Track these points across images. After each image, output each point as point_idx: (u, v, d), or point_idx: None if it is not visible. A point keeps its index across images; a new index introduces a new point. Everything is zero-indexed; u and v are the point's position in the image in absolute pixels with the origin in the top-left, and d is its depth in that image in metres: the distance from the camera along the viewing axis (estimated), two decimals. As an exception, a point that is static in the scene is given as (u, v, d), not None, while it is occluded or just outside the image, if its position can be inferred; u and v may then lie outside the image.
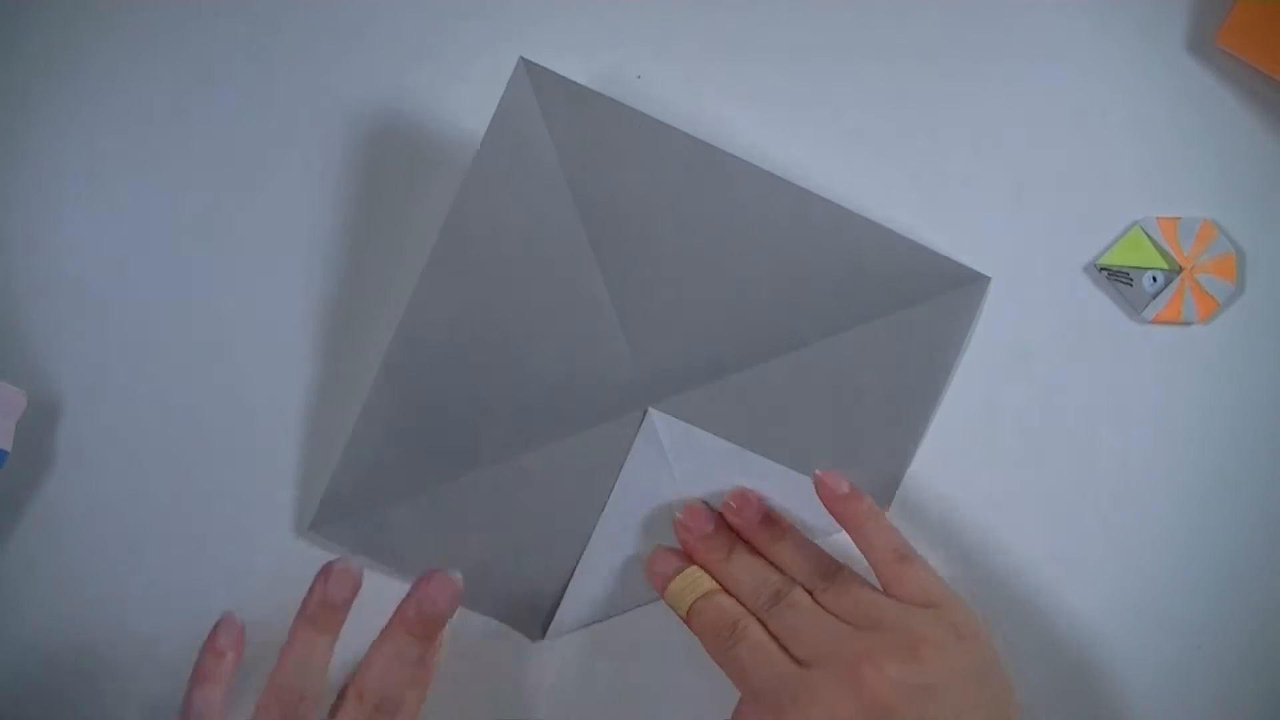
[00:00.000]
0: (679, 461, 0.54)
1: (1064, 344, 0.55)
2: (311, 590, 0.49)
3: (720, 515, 0.53)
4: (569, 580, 0.54)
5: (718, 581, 0.52)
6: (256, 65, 0.56)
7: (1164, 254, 0.55)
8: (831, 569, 0.51)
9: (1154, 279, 0.55)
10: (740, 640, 0.49)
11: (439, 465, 0.54)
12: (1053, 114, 0.55)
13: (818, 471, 0.52)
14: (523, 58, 0.51)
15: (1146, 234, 0.55)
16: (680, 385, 0.54)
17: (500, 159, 0.51)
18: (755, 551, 0.53)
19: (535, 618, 0.54)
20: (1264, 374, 0.55)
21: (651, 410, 0.54)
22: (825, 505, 0.52)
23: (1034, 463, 0.54)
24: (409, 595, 0.49)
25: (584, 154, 0.52)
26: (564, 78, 0.51)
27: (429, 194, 0.55)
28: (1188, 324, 0.55)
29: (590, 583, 0.54)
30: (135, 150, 0.56)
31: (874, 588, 0.50)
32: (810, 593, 0.50)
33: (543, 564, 0.54)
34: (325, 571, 0.49)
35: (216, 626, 0.50)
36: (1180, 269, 0.55)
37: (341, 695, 0.48)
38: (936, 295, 0.54)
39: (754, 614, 0.50)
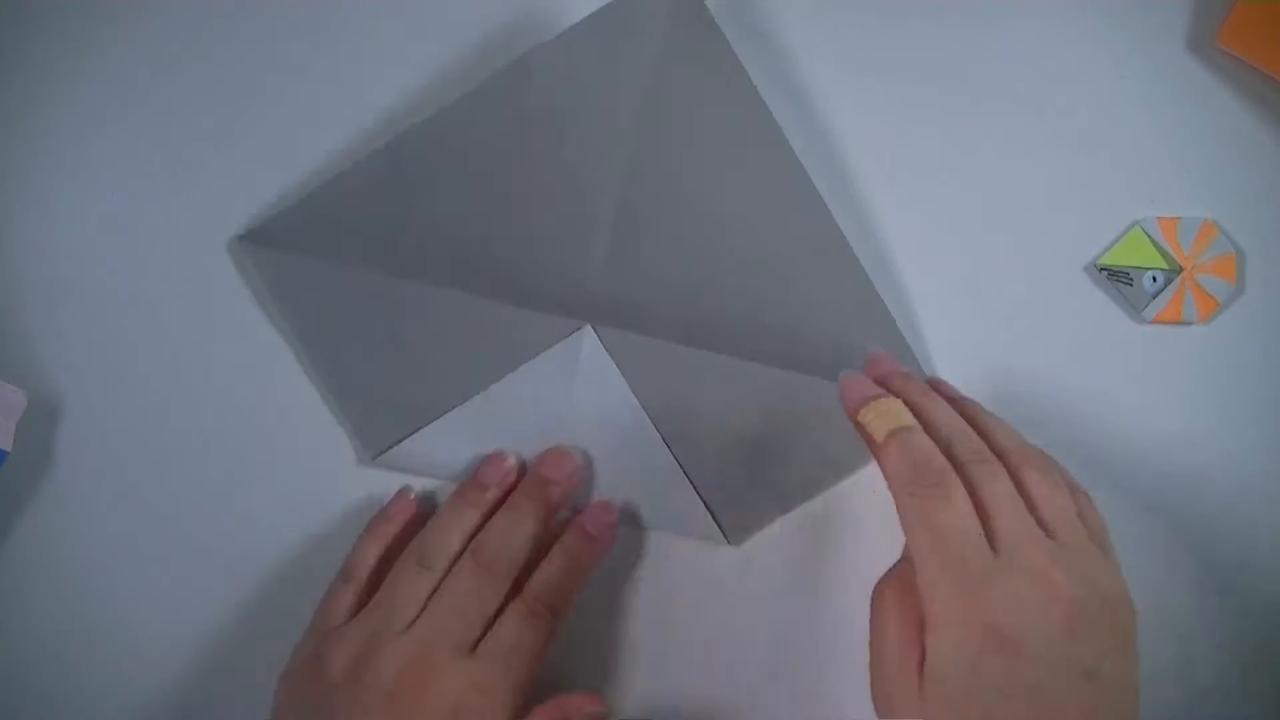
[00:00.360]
0: (589, 385, 0.53)
1: (1064, 344, 0.55)
2: (471, 479, 0.53)
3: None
4: (431, 420, 0.54)
5: (892, 456, 0.45)
6: (259, 66, 0.56)
7: (1164, 254, 0.55)
8: (1015, 446, 0.46)
9: (1154, 279, 0.55)
10: (946, 496, 0.43)
11: (389, 256, 0.53)
12: (1052, 114, 0.55)
13: (867, 349, 0.50)
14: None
15: (1146, 234, 0.55)
16: (630, 323, 0.53)
17: (603, 30, 0.53)
18: None
19: (375, 434, 0.54)
20: (1264, 374, 0.54)
21: (587, 329, 0.53)
22: (896, 392, 0.47)
23: (1034, 463, 0.54)
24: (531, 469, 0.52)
25: (678, 72, 0.53)
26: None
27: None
28: (1188, 324, 0.55)
29: (444, 436, 0.54)
30: (135, 150, 0.56)
31: (1066, 492, 0.45)
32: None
33: (425, 394, 0.54)
34: (486, 463, 0.53)
35: (394, 497, 0.54)
36: (1180, 269, 0.55)
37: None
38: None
39: (954, 463, 0.45)
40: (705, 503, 0.53)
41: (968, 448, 0.45)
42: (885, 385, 0.48)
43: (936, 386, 0.49)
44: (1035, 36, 0.55)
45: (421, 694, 0.47)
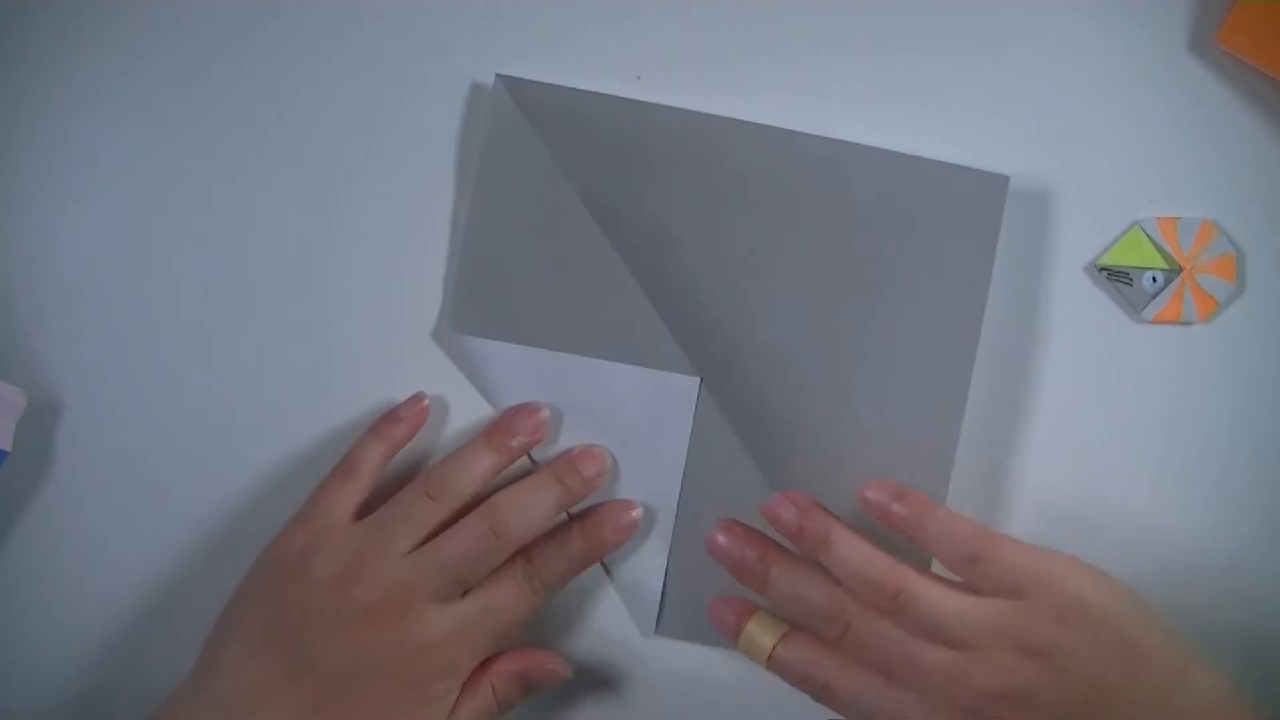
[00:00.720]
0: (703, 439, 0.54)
1: (1064, 344, 0.55)
2: (501, 424, 0.52)
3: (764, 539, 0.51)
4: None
5: (773, 606, 0.50)
6: (258, 67, 0.56)
7: (1164, 254, 0.55)
8: (890, 582, 0.47)
9: (1154, 279, 0.55)
10: (832, 697, 0.48)
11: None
12: (1052, 114, 0.55)
13: (864, 486, 0.50)
14: (499, 75, 0.52)
15: (1146, 234, 0.55)
16: (723, 360, 0.53)
17: (501, 175, 0.53)
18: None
19: (473, 317, 0.54)
20: (1264, 374, 0.54)
21: (700, 383, 0.54)
22: (880, 521, 0.49)
23: (1033, 463, 0.54)
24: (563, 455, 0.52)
25: (580, 152, 0.53)
26: (543, 84, 0.53)
27: (438, 187, 0.55)
28: (1188, 324, 0.55)
29: (536, 365, 0.54)
30: (136, 150, 0.56)
31: (947, 583, 0.48)
32: (880, 612, 0.48)
33: (543, 323, 0.54)
34: (526, 409, 0.52)
35: (406, 400, 0.53)
36: (1180, 269, 0.54)
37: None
38: (954, 209, 0.53)
39: (827, 641, 0.48)
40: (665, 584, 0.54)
41: (828, 615, 0.48)
42: (739, 576, 0.50)
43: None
44: (1035, 36, 0.55)
45: (396, 626, 0.48)
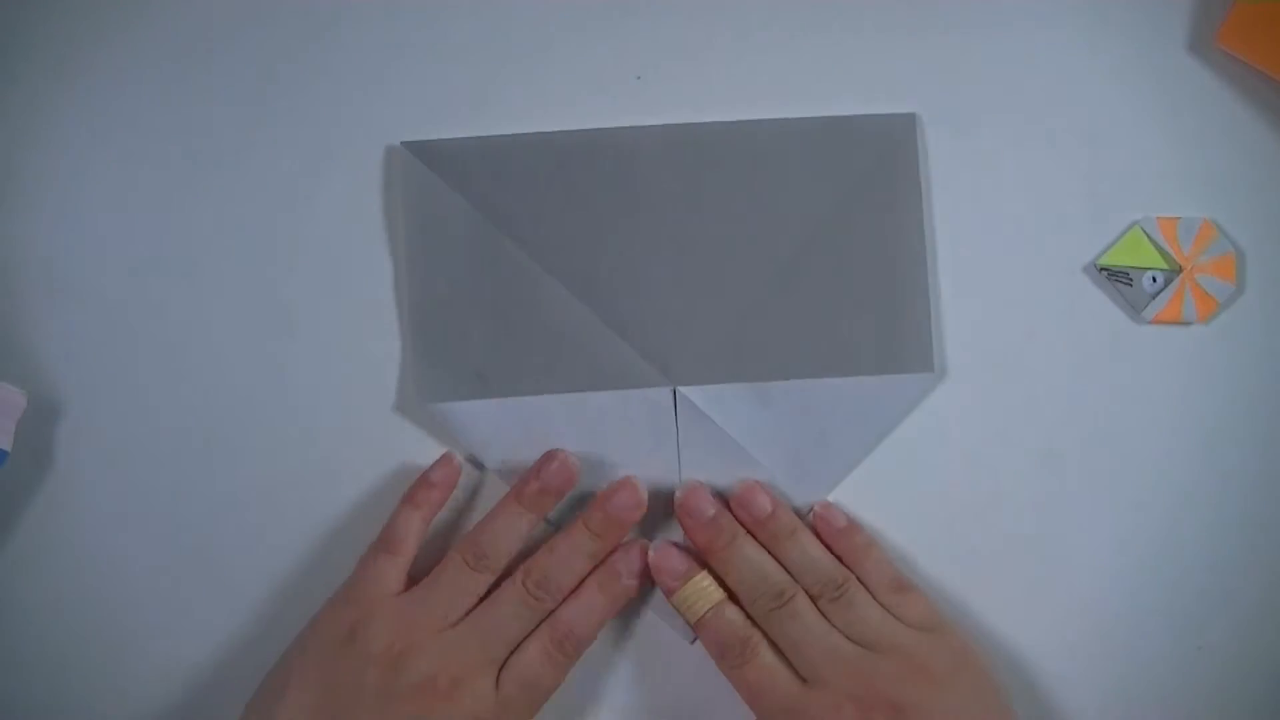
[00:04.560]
0: (690, 446, 0.54)
1: (1064, 344, 0.55)
2: (530, 474, 0.52)
3: (721, 510, 0.53)
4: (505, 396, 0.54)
5: (719, 570, 0.52)
6: (261, 70, 0.56)
7: (1164, 254, 0.55)
8: (839, 578, 0.51)
9: (1154, 279, 0.55)
10: (749, 660, 0.50)
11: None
12: (1052, 114, 0.55)
13: (815, 506, 0.53)
14: (402, 143, 0.55)
15: (1146, 234, 0.55)
16: (695, 360, 0.54)
17: (429, 238, 0.54)
18: (761, 544, 0.52)
19: (439, 384, 0.54)
20: (1264, 374, 0.55)
21: (679, 389, 0.54)
22: (824, 539, 0.53)
23: (1033, 463, 0.54)
24: (595, 501, 0.52)
25: (499, 196, 0.54)
26: (444, 140, 0.54)
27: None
28: (1188, 324, 0.55)
29: (512, 416, 0.54)
30: (136, 150, 0.56)
31: (879, 604, 0.51)
32: (815, 599, 0.51)
33: (508, 373, 0.54)
34: (546, 459, 0.52)
35: (435, 462, 0.53)
36: (1180, 269, 0.55)
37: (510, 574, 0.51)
38: (870, 155, 0.54)
39: (754, 617, 0.51)
40: None
41: (765, 595, 0.51)
42: (701, 535, 0.52)
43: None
44: (1035, 37, 0.55)
45: (447, 700, 0.48)
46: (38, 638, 0.54)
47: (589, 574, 0.52)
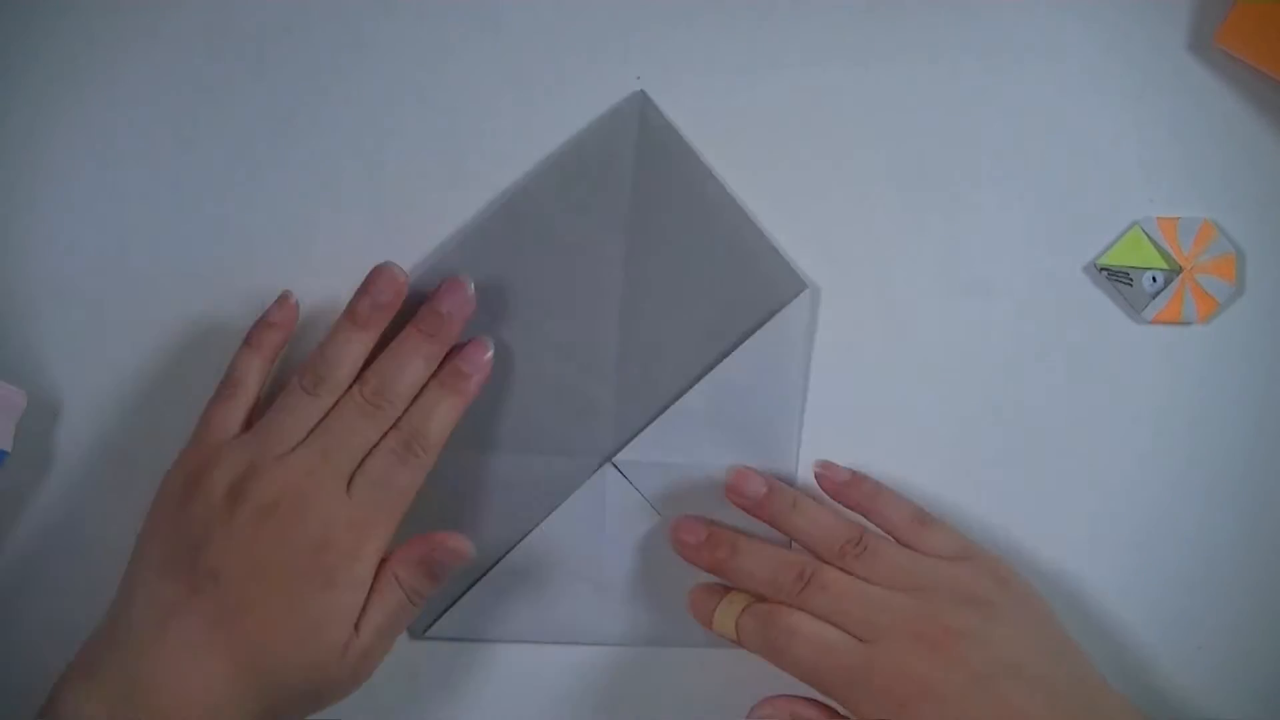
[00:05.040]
0: (618, 517, 0.54)
1: (1064, 344, 0.55)
2: (360, 291, 0.51)
3: (711, 523, 0.53)
4: (469, 587, 0.54)
5: (732, 580, 0.51)
6: (260, 67, 0.56)
7: (1164, 254, 0.55)
8: (853, 534, 0.50)
9: (1154, 279, 0.55)
10: (793, 637, 0.48)
11: None
12: (1052, 114, 0.55)
13: (815, 467, 0.53)
14: (642, 91, 0.54)
15: (1146, 234, 0.55)
16: (646, 449, 0.54)
17: (580, 167, 0.54)
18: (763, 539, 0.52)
19: (423, 615, 0.53)
20: (1264, 374, 0.55)
21: (610, 466, 0.54)
22: (831, 495, 0.52)
23: (1034, 463, 0.54)
24: (426, 303, 0.51)
25: (656, 199, 0.54)
26: (669, 124, 0.54)
27: (447, 203, 0.55)
28: (1188, 324, 0.55)
29: (488, 598, 0.54)
30: (137, 150, 0.56)
31: (905, 546, 0.50)
32: (839, 561, 0.50)
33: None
34: (374, 274, 0.51)
35: (274, 302, 0.53)
36: (1180, 269, 0.55)
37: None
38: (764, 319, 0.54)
39: (790, 604, 0.49)
40: None
41: (787, 580, 0.49)
42: (698, 558, 0.52)
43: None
44: (1035, 36, 0.55)
45: (295, 521, 0.48)
46: (38, 637, 0.54)
47: (429, 379, 0.51)
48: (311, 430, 0.50)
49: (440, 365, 0.52)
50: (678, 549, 0.53)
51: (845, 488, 0.52)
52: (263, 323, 0.52)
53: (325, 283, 0.55)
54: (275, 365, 0.53)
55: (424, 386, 0.51)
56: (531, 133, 0.55)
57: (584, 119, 0.55)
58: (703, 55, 0.55)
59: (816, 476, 0.53)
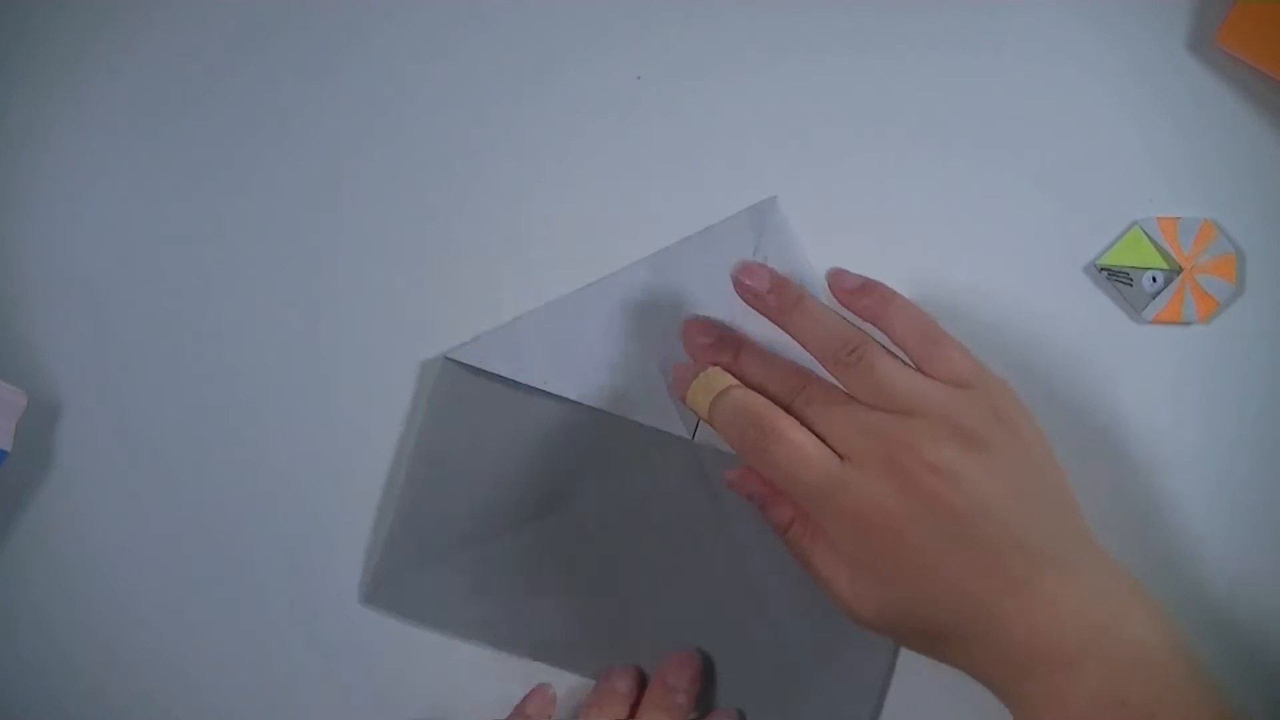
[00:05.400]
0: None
1: (1064, 344, 0.55)
2: (601, 682, 0.52)
3: (725, 329, 0.52)
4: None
5: (740, 372, 0.49)
6: (259, 67, 0.56)
7: (1164, 254, 0.55)
8: (852, 339, 0.47)
9: (1154, 279, 0.55)
10: (775, 439, 0.46)
11: (475, 535, 0.54)
12: (1052, 114, 0.55)
13: (826, 274, 0.50)
14: (446, 357, 0.53)
15: (1146, 234, 0.55)
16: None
17: (436, 457, 0.54)
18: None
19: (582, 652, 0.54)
20: (1264, 374, 0.54)
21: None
22: (841, 303, 0.49)
23: (1034, 463, 0.54)
24: (656, 675, 0.52)
25: (514, 442, 0.54)
26: (486, 371, 0.53)
27: (445, 202, 0.55)
28: (1188, 324, 0.55)
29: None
30: (136, 150, 0.56)
31: (903, 361, 0.47)
32: (830, 367, 0.48)
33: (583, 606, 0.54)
34: (531, 695, 0.52)
35: (529, 694, 0.53)
36: (1180, 269, 0.55)
37: None
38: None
39: (782, 406, 0.47)
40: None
41: (783, 385, 0.48)
42: (709, 355, 0.50)
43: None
44: (1035, 36, 0.55)
45: None
46: (38, 637, 0.54)
47: None
48: None
49: None
50: (687, 347, 0.51)
51: (855, 295, 0.49)
52: (519, 714, 0.52)
53: (325, 282, 0.55)
54: None
55: None
56: (531, 133, 0.55)
57: (584, 118, 0.55)
58: (703, 55, 0.55)
59: (828, 283, 0.50)
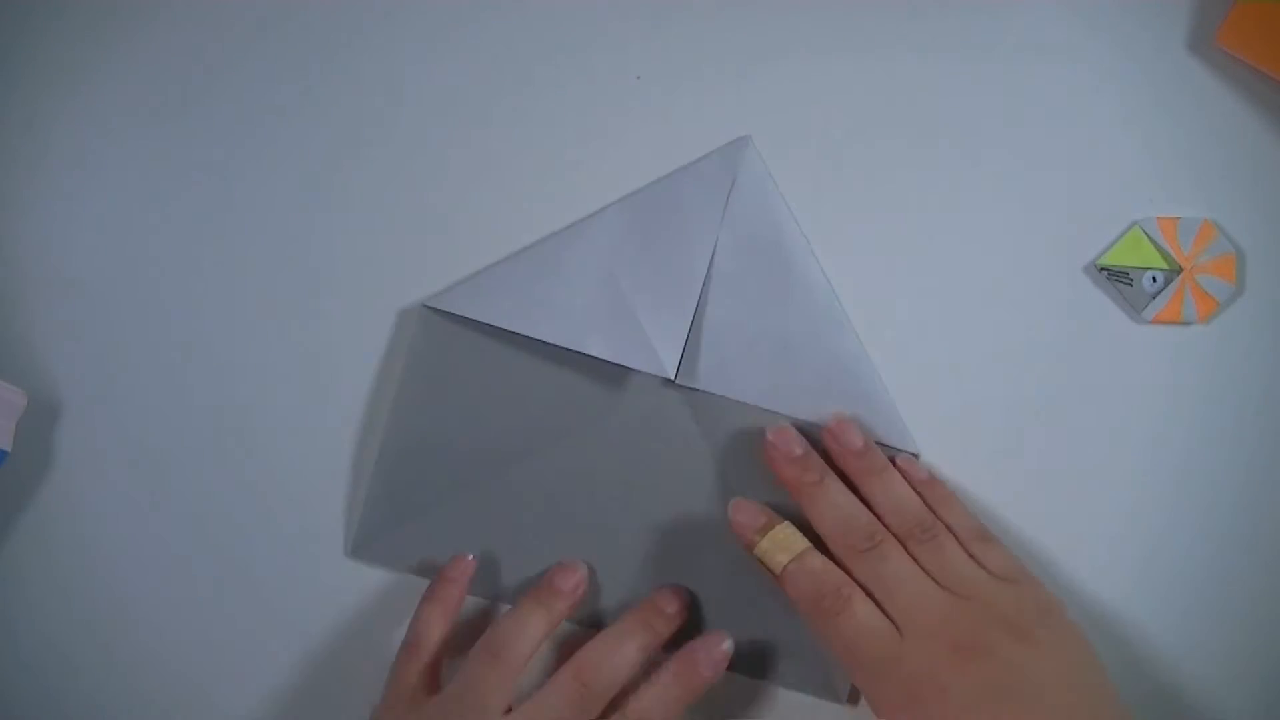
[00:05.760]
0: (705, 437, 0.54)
1: (1064, 344, 0.55)
2: (542, 580, 0.53)
3: (808, 441, 0.52)
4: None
5: (806, 510, 0.51)
6: (257, 66, 0.56)
7: (1164, 254, 0.55)
8: (928, 521, 0.51)
9: (1154, 279, 0.55)
10: (844, 610, 0.48)
11: (458, 486, 0.54)
12: (1052, 114, 0.55)
13: (898, 461, 0.52)
14: (424, 304, 0.54)
15: (1146, 234, 0.55)
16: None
17: (418, 403, 0.54)
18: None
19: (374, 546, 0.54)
20: (1264, 374, 0.54)
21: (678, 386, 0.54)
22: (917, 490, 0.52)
23: (1033, 463, 0.54)
24: (645, 601, 0.52)
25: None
26: (465, 319, 0.53)
27: (444, 202, 0.55)
28: (1188, 324, 0.55)
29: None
30: (136, 149, 0.56)
31: (966, 550, 0.50)
32: (904, 541, 0.50)
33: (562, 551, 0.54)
34: (558, 568, 0.53)
35: (451, 560, 0.53)
36: (1180, 269, 0.54)
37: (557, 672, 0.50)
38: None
39: (841, 560, 0.50)
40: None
41: (856, 535, 0.50)
42: (789, 471, 0.52)
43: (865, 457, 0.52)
44: (1035, 36, 0.55)
45: None
46: (38, 637, 0.54)
47: (647, 665, 0.51)
48: (509, 708, 0.49)
49: (679, 655, 0.51)
50: (768, 453, 0.52)
51: (921, 487, 0.52)
52: (441, 579, 0.53)
53: (325, 282, 0.55)
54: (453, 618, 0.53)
55: (655, 675, 0.51)
56: (531, 133, 0.55)
57: (584, 119, 0.55)
58: (703, 54, 0.55)
59: (898, 468, 0.52)
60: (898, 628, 0.48)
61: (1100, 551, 0.54)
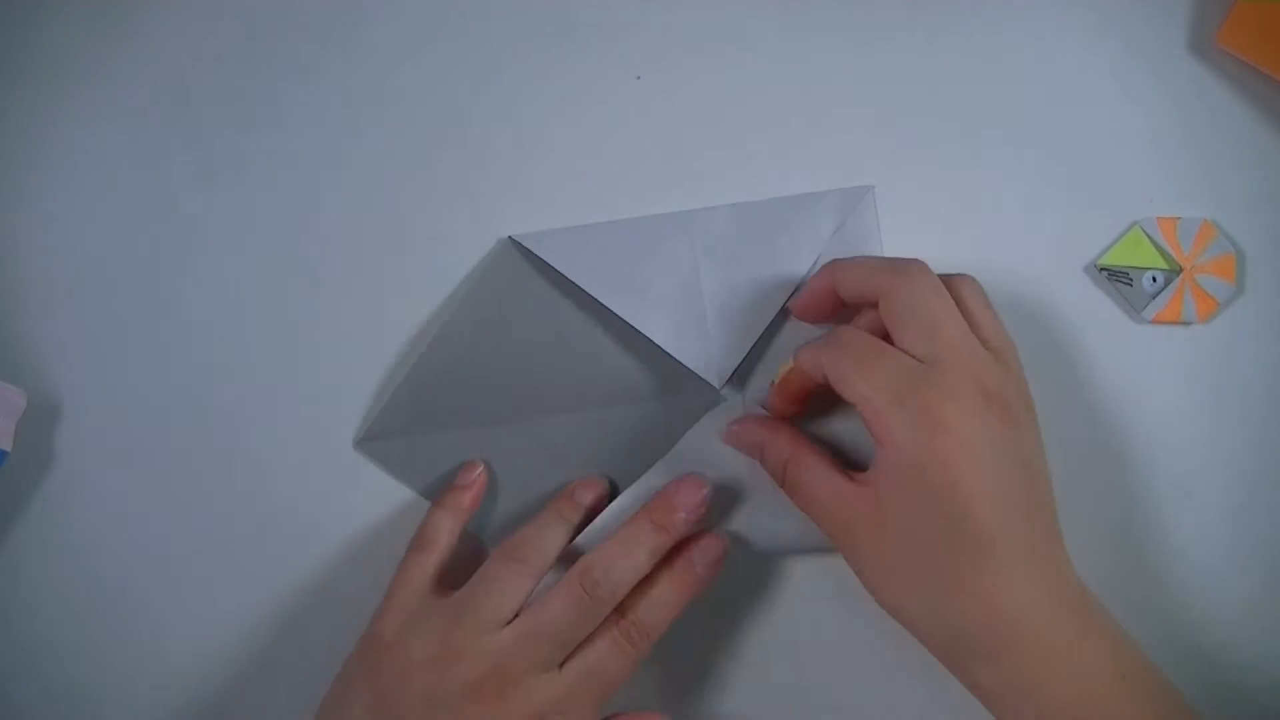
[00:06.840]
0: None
1: (1064, 344, 0.55)
2: (563, 491, 0.53)
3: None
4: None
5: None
6: (256, 65, 0.56)
7: (1164, 254, 0.55)
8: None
9: (1154, 279, 0.55)
10: (862, 357, 0.48)
11: (475, 418, 0.54)
12: (1052, 113, 0.55)
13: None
14: (510, 236, 0.54)
15: (1146, 234, 0.55)
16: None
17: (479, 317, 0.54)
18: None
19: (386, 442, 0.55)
20: (1264, 374, 0.55)
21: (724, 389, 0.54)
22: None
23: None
24: (659, 494, 0.52)
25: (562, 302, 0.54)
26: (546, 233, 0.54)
27: (444, 201, 0.55)
28: (1188, 324, 0.55)
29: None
30: (136, 149, 0.56)
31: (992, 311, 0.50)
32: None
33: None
34: (581, 485, 0.53)
35: (463, 467, 0.54)
36: (1180, 269, 0.55)
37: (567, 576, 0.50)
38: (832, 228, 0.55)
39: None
40: None
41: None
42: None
43: None
44: (1035, 37, 0.55)
45: (499, 700, 0.48)
46: (38, 637, 0.54)
47: (652, 569, 0.51)
48: (518, 608, 0.49)
49: (672, 557, 0.51)
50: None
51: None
52: (453, 486, 0.53)
53: (324, 281, 0.55)
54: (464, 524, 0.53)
55: (652, 577, 0.51)
56: (532, 133, 0.55)
57: (584, 118, 0.55)
58: (703, 54, 0.55)
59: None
60: (918, 360, 0.47)
61: (1098, 550, 0.54)
